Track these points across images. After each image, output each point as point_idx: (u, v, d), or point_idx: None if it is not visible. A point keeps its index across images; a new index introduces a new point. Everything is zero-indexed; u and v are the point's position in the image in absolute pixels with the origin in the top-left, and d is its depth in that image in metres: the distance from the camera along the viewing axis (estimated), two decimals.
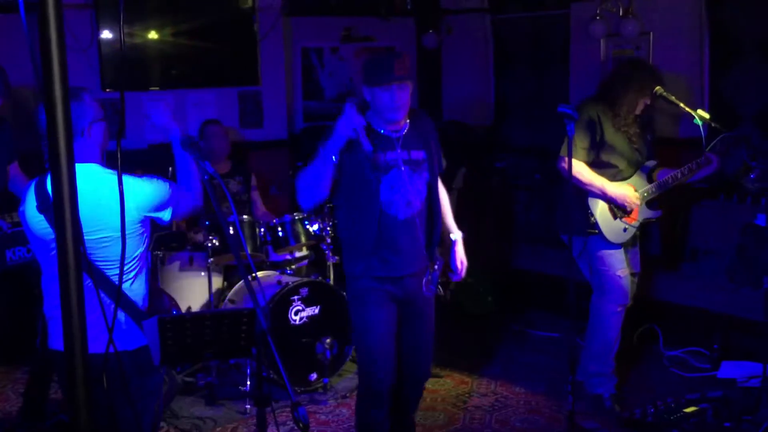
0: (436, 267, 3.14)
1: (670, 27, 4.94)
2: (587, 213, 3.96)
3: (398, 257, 3.03)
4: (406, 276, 3.08)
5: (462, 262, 3.27)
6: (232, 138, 5.32)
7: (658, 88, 3.97)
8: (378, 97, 2.98)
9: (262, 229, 4.50)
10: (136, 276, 2.55)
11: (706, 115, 4.00)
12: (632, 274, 4.14)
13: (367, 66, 3.07)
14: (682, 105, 4.00)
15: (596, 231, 3.97)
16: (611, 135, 3.93)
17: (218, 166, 4.97)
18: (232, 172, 5.03)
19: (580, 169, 3.87)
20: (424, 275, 3.12)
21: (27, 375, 4.07)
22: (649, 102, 3.97)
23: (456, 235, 3.29)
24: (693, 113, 3.98)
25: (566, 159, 3.82)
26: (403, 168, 3.01)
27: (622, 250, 4.04)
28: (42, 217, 2.46)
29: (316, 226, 4.55)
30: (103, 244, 2.45)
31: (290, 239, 4.52)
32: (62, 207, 1.16)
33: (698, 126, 3.99)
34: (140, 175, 2.56)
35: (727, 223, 4.64)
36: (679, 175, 3.98)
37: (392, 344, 3.10)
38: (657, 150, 4.16)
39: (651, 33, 4.98)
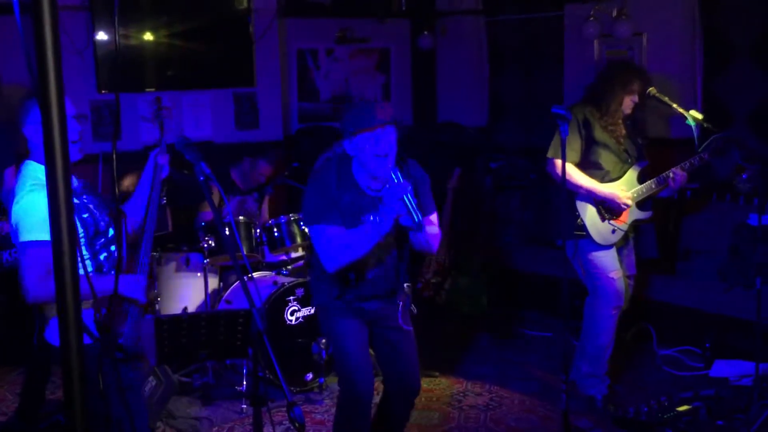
0: (403, 302, 3.13)
1: (663, 28, 4.97)
2: (575, 215, 3.99)
3: (368, 288, 3.04)
4: (372, 297, 3.07)
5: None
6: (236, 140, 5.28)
7: (651, 89, 4.01)
8: (361, 147, 2.84)
9: (258, 230, 4.52)
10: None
11: (699, 116, 4.03)
12: (627, 277, 4.16)
13: (347, 116, 2.92)
14: (674, 105, 4.03)
15: (584, 233, 3.99)
16: (599, 135, 3.96)
17: (243, 185, 4.96)
18: (251, 189, 5.03)
19: (570, 171, 3.88)
20: (393, 305, 3.12)
21: (23, 376, 4.07)
22: (636, 100, 3.99)
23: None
24: (686, 114, 4.01)
25: (555, 161, 3.85)
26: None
27: (614, 252, 4.06)
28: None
29: None
30: None
31: (286, 240, 4.54)
32: (57, 206, 1.16)
33: (691, 126, 4.02)
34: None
35: (719, 224, 4.68)
36: (653, 185, 4.02)
37: (367, 352, 3.12)
38: (649, 151, 4.19)
39: (644, 34, 5.01)
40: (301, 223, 4.57)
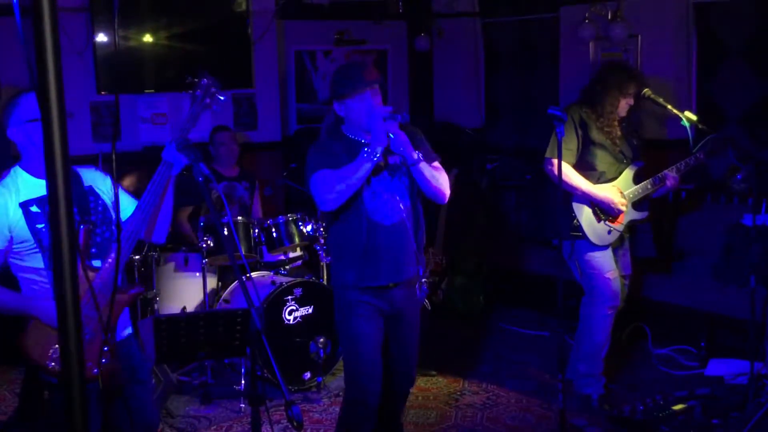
0: (423, 278, 3.14)
1: (657, 30, 4.99)
2: (571, 216, 4.01)
3: (387, 264, 3.01)
4: (395, 285, 3.06)
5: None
6: (241, 140, 5.36)
7: (646, 90, 4.04)
8: (352, 109, 2.96)
9: (257, 230, 4.54)
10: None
11: (694, 117, 4.06)
12: (622, 277, 4.19)
13: (336, 79, 3.03)
14: (669, 107, 4.07)
15: (580, 234, 4.01)
16: (596, 136, 3.99)
17: (227, 170, 5.02)
18: (239, 177, 5.08)
19: (567, 172, 3.91)
20: (414, 284, 3.11)
21: (23, 375, 4.09)
22: (632, 102, 4.02)
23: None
24: (680, 115, 4.04)
25: (553, 161, 3.87)
26: (382, 174, 3.00)
27: (609, 252, 4.09)
28: None
29: (309, 227, 4.59)
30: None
31: (284, 240, 4.56)
32: (57, 208, 1.17)
33: (685, 127, 4.05)
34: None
35: (713, 224, 4.70)
36: (649, 186, 4.05)
37: (379, 356, 3.10)
38: (645, 152, 4.21)
39: (639, 36, 5.03)
40: (300, 223, 4.60)
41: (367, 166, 2.88)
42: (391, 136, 2.88)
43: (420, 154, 2.94)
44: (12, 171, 2.63)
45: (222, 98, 2.71)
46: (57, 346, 2.52)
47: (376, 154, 2.87)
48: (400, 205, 3.01)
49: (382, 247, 3.00)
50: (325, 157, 2.99)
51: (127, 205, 2.75)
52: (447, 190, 3.09)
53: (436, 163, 3.09)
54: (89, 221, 2.61)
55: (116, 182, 2.44)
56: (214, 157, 5.05)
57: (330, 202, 2.94)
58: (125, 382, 2.66)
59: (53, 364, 2.53)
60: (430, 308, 3.34)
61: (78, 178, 2.69)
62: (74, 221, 1.19)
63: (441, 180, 3.05)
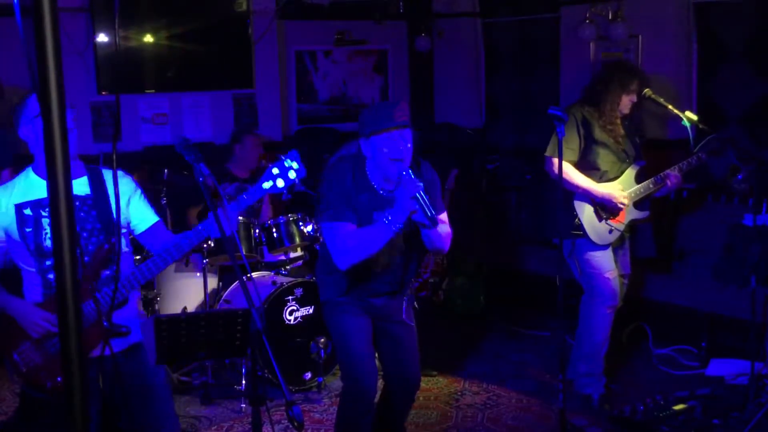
0: (407, 298, 3.18)
1: (658, 30, 5.00)
2: (572, 215, 4.01)
3: (370, 301, 3.09)
4: (380, 294, 3.10)
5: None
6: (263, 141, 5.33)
7: (647, 90, 4.04)
8: (377, 148, 2.87)
9: (257, 230, 4.54)
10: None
11: (694, 117, 4.06)
12: (622, 276, 4.19)
13: (365, 116, 2.94)
14: (670, 107, 4.07)
15: (581, 233, 4.01)
16: (598, 135, 3.99)
17: (240, 172, 5.00)
18: (251, 179, 5.06)
19: (567, 170, 3.91)
20: (398, 301, 3.15)
21: None
22: (635, 99, 4.02)
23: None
24: (681, 115, 4.04)
25: (553, 160, 3.88)
26: None
27: (609, 251, 4.09)
28: None
29: (310, 227, 4.59)
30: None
31: (285, 240, 4.56)
32: (58, 209, 1.16)
33: (686, 127, 4.06)
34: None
35: (714, 224, 4.70)
36: (651, 185, 4.05)
37: (371, 350, 3.13)
38: (646, 152, 4.21)
39: (640, 36, 5.03)
40: (300, 223, 4.60)
41: (389, 236, 2.85)
42: (416, 211, 2.82)
43: (435, 215, 2.87)
44: (24, 172, 2.67)
45: (300, 188, 2.52)
46: (26, 343, 2.58)
47: (399, 228, 2.83)
48: (397, 259, 3.04)
49: (366, 287, 3.05)
50: (346, 206, 2.92)
51: (143, 213, 2.73)
52: (448, 246, 3.07)
53: (443, 216, 3.06)
54: (111, 241, 2.60)
55: (116, 184, 2.40)
56: (238, 158, 5.00)
57: (346, 263, 2.92)
58: (139, 391, 2.67)
59: (17, 356, 2.58)
60: (417, 307, 3.37)
61: (101, 180, 2.69)
62: (75, 221, 1.18)
63: (444, 236, 3.02)
